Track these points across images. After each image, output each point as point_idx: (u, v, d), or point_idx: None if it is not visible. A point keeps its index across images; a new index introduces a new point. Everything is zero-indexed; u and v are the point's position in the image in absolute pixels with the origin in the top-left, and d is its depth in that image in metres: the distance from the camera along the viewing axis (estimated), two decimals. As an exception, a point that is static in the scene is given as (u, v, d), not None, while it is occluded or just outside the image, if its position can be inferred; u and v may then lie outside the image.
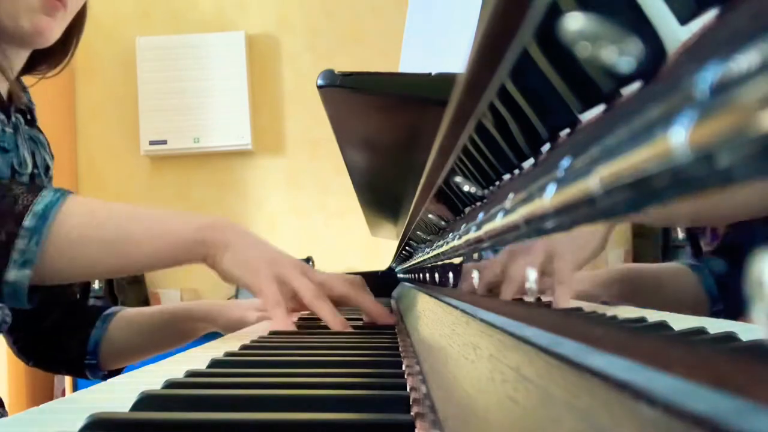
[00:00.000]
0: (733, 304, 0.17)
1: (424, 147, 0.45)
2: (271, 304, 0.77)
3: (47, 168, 0.94)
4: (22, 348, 0.99)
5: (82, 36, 0.96)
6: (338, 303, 0.81)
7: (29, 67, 0.92)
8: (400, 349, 0.59)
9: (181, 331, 1.02)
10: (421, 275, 0.90)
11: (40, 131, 0.96)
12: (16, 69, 0.88)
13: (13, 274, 0.67)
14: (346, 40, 2.89)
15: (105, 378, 0.96)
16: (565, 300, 0.26)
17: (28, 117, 0.92)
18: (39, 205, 0.68)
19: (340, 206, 2.83)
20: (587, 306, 0.26)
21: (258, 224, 2.88)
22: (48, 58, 0.93)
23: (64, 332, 0.97)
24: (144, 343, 1.00)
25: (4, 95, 0.86)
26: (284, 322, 0.76)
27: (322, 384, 0.42)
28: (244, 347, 0.63)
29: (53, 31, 0.84)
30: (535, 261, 0.27)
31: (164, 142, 2.79)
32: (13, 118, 0.87)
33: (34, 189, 0.70)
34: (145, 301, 2.72)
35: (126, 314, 1.00)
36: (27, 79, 0.95)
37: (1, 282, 0.67)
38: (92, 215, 0.73)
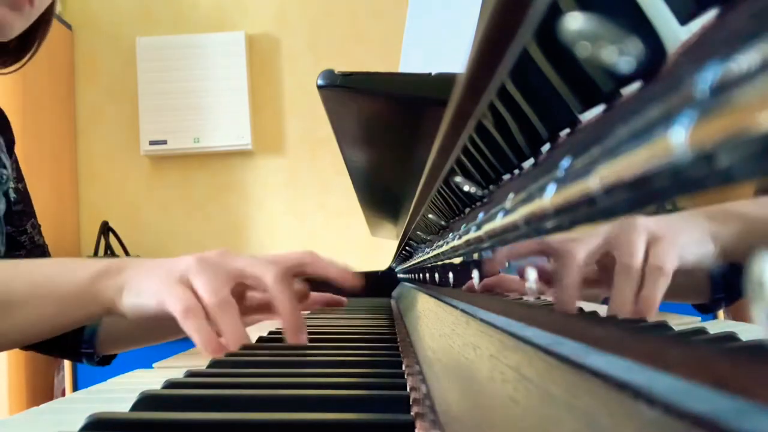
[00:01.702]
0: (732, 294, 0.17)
1: (423, 147, 0.45)
2: (178, 310, 0.62)
3: (3, 166, 0.90)
4: None
5: (43, 41, 0.90)
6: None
7: None
8: (400, 349, 0.59)
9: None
10: (421, 275, 0.90)
11: None
12: None
13: None
14: (346, 40, 2.89)
15: (100, 363, 0.95)
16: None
17: None
18: None
19: (340, 206, 2.83)
20: (587, 306, 0.26)
21: (258, 224, 2.88)
22: (1, 55, 0.88)
23: None
24: (142, 335, 0.99)
25: None
26: (205, 336, 0.61)
27: (322, 384, 0.42)
28: (244, 347, 0.63)
29: (14, 26, 0.80)
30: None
31: (164, 142, 2.79)
32: None
33: None
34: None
35: None
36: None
37: None
38: None
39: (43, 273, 0.67)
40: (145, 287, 0.65)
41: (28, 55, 0.90)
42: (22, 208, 0.94)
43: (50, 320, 0.67)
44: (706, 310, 0.26)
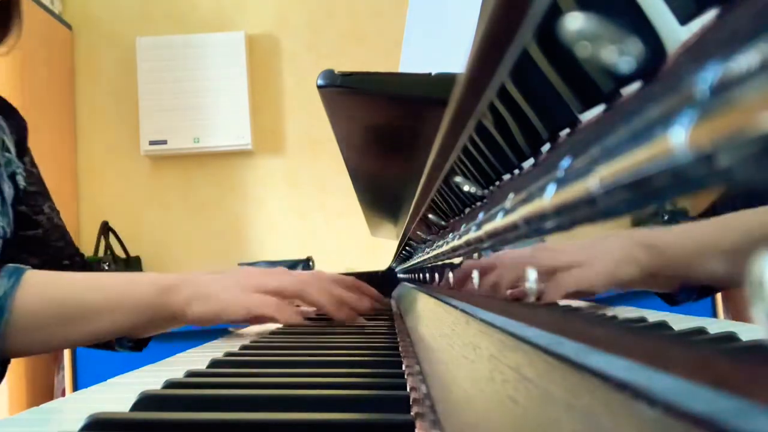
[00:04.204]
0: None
1: (424, 147, 0.45)
2: (269, 308, 0.78)
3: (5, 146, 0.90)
4: None
5: (22, 14, 0.89)
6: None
7: None
8: (400, 349, 0.59)
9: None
10: (421, 275, 0.90)
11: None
12: None
13: None
14: (346, 40, 2.89)
15: (133, 349, 0.94)
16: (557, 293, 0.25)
17: None
18: None
19: (340, 206, 2.82)
20: (587, 306, 0.26)
21: (258, 224, 2.88)
22: None
23: None
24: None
25: None
26: (293, 316, 0.80)
27: (322, 384, 0.42)
28: (244, 347, 0.63)
29: None
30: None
31: (164, 142, 2.79)
32: None
33: None
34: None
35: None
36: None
37: None
38: (50, 297, 0.73)
39: (115, 286, 0.76)
40: (212, 305, 0.77)
41: (12, 32, 0.88)
42: (36, 189, 0.95)
43: (120, 328, 0.76)
44: (673, 302, 0.26)
